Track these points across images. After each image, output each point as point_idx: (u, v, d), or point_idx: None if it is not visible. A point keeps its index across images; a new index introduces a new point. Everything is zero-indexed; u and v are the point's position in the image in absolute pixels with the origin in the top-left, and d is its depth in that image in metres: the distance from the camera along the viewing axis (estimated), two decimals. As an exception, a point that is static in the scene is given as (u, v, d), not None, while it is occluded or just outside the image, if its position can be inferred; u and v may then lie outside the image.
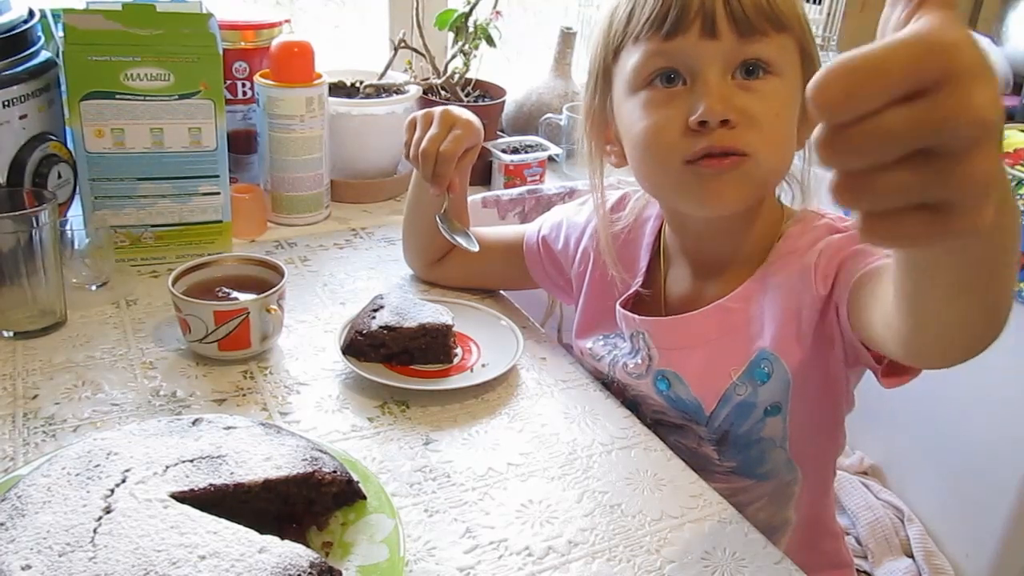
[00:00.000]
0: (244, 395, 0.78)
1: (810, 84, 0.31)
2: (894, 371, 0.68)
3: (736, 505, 0.69)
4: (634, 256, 0.86)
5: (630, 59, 0.71)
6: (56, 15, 1.00)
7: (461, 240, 0.90)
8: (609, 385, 0.85)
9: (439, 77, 1.34)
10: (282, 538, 0.53)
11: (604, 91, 0.77)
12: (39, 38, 0.99)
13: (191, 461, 0.58)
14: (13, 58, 0.93)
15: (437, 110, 0.88)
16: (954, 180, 0.32)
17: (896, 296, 0.51)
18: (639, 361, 0.82)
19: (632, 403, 0.83)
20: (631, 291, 0.84)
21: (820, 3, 1.68)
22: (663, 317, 0.81)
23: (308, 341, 0.88)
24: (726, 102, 0.66)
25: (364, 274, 1.03)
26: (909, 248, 0.43)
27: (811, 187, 0.78)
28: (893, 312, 0.53)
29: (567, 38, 1.48)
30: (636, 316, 0.82)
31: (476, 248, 0.90)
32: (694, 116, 0.67)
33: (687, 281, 0.82)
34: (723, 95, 0.67)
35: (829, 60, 0.33)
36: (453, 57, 1.34)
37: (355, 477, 0.62)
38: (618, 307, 0.84)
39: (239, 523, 0.53)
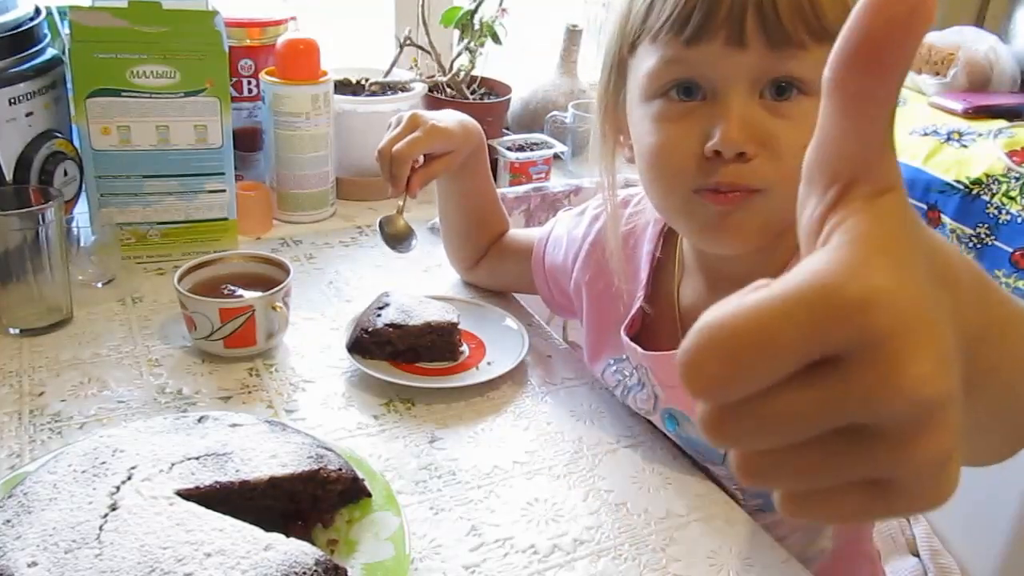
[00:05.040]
0: (249, 392, 0.78)
1: (679, 352, 0.24)
2: None
3: None
4: (634, 267, 0.78)
5: (645, 62, 0.62)
6: (62, 12, 1.00)
7: (394, 245, 0.90)
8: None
9: (445, 75, 1.34)
10: (287, 536, 0.53)
11: (618, 85, 0.69)
12: (45, 35, 0.99)
13: (197, 458, 0.58)
14: (19, 55, 0.93)
15: (409, 112, 0.86)
16: (893, 462, 0.24)
17: None
18: (645, 396, 0.77)
19: None
20: (634, 310, 0.76)
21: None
22: (663, 352, 0.73)
23: (314, 339, 0.88)
24: (747, 129, 0.58)
25: (370, 272, 1.03)
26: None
27: None
28: None
29: (573, 36, 1.48)
30: (638, 349, 0.74)
31: (407, 253, 0.89)
32: (709, 143, 0.59)
33: (703, 296, 0.74)
34: (745, 120, 0.58)
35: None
36: (459, 54, 1.34)
37: (360, 475, 0.62)
38: (623, 335, 0.76)
39: (245, 520, 0.53)
